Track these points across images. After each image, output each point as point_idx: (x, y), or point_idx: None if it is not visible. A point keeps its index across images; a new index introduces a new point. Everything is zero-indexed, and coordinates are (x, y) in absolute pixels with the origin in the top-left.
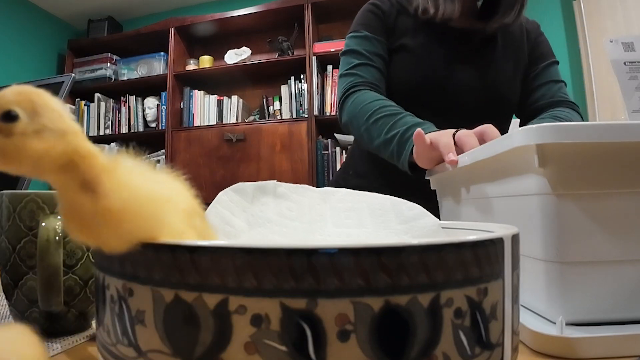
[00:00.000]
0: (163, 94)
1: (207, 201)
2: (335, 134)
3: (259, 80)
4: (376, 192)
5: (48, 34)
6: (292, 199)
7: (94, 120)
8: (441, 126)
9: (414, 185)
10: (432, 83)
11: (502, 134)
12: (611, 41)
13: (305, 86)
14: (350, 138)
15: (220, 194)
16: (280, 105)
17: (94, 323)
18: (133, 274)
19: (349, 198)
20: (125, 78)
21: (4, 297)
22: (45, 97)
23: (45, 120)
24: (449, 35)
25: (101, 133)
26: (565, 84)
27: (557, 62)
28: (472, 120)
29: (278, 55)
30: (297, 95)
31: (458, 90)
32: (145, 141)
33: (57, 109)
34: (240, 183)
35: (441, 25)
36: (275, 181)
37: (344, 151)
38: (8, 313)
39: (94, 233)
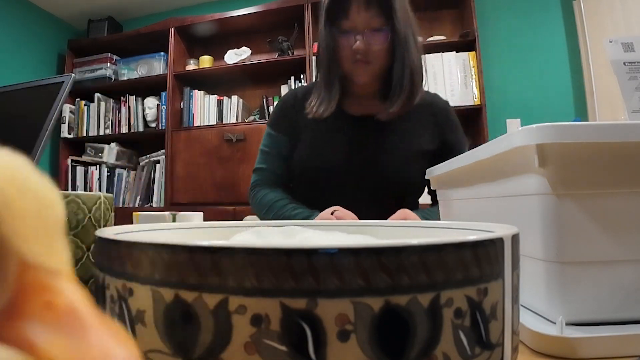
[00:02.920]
0: (163, 94)
1: (207, 201)
2: None
3: (259, 80)
4: None
5: (48, 34)
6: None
7: (94, 120)
8: (336, 204)
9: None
10: (326, 170)
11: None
12: (611, 41)
13: None
14: None
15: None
16: None
17: None
18: (133, 274)
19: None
20: (125, 78)
21: None
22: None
23: None
24: (347, 122)
25: (101, 133)
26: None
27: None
28: (366, 202)
29: (278, 55)
30: None
31: (350, 174)
32: (145, 141)
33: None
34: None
35: (340, 114)
36: (302, 227)
37: None
38: None
39: None
